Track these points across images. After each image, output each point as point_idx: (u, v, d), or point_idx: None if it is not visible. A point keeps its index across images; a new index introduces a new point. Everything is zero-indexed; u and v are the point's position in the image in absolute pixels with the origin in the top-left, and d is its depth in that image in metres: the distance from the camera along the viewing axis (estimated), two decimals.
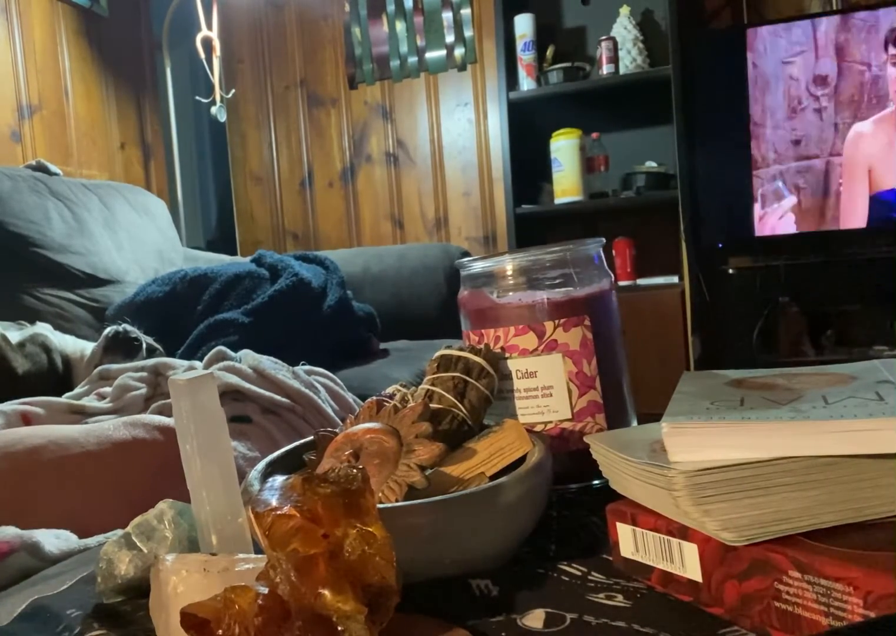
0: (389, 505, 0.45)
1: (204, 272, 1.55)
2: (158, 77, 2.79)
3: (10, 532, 0.62)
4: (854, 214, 2.20)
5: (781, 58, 2.22)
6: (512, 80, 2.50)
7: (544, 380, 0.62)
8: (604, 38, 2.41)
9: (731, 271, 2.39)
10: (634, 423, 0.66)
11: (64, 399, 1.00)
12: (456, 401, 0.56)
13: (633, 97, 2.48)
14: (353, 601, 0.33)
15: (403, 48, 2.78)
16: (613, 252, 2.45)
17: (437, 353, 0.61)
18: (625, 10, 2.45)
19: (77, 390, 1.08)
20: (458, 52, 2.73)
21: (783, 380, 0.50)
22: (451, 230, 2.81)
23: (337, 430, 0.56)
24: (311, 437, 0.58)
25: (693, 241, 2.26)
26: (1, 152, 2.11)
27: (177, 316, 1.47)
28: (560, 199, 2.43)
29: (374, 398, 0.57)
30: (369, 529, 0.36)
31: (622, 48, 2.41)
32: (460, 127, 2.77)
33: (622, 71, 2.41)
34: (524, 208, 2.48)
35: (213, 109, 2.50)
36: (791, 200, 2.25)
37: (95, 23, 2.53)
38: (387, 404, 0.55)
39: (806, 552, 0.36)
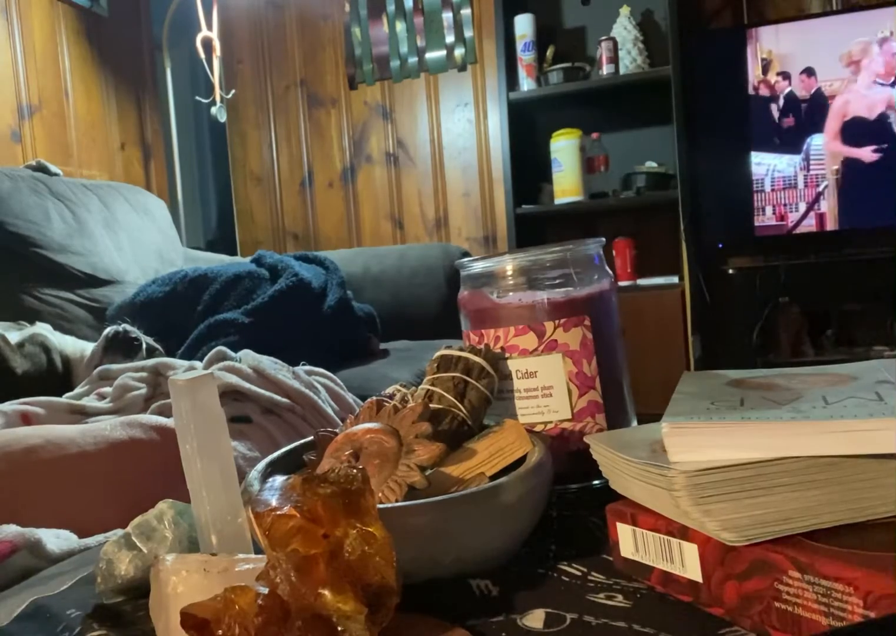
0: (389, 505, 0.45)
1: (204, 272, 1.55)
2: (158, 77, 2.79)
3: (11, 530, 0.62)
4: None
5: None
6: (512, 81, 2.50)
7: (544, 380, 0.62)
8: (604, 38, 2.41)
9: (731, 271, 2.39)
10: (634, 423, 0.66)
11: (64, 399, 1.00)
12: (456, 402, 0.56)
13: (633, 97, 2.48)
14: (353, 601, 0.33)
15: (403, 48, 2.77)
16: (613, 252, 2.45)
17: (437, 354, 0.61)
18: (625, 11, 2.45)
19: (77, 390, 1.08)
20: (458, 52, 2.73)
21: (783, 381, 0.50)
22: (451, 230, 2.80)
23: (337, 430, 0.56)
24: (311, 437, 0.58)
25: (693, 241, 2.26)
26: (1, 152, 2.11)
27: (177, 316, 1.47)
28: (560, 199, 2.43)
29: (374, 398, 0.57)
30: (369, 529, 0.36)
31: (622, 48, 2.41)
32: (460, 127, 2.77)
33: (622, 71, 2.41)
34: (524, 208, 2.48)
35: (213, 109, 2.50)
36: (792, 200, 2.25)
37: (95, 23, 2.53)
38: (387, 404, 0.55)
39: (806, 552, 0.36)
